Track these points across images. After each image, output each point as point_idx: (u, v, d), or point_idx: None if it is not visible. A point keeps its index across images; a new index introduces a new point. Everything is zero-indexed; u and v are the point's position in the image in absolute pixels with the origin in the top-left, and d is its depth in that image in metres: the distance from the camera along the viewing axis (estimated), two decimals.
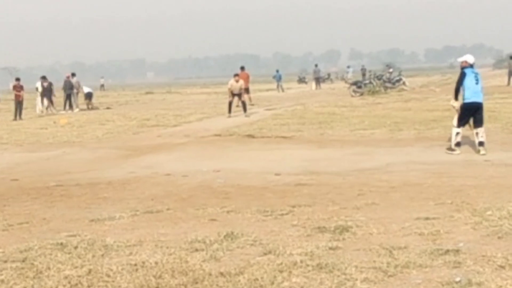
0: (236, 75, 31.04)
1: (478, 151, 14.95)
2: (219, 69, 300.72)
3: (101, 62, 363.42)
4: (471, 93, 15.26)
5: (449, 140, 15.57)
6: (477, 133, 15.22)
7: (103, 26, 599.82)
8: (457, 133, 15.35)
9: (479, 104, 15.34)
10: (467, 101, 15.38)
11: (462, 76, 15.62)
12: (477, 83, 15.34)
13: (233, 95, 30.49)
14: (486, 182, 11.43)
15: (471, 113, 15.43)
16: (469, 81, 15.35)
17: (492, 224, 8.35)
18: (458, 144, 15.28)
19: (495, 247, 7.33)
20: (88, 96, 43.36)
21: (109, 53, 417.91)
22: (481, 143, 15.01)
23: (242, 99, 30.27)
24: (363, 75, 60.75)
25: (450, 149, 15.29)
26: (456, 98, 15.75)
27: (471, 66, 15.79)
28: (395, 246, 7.53)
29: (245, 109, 30.15)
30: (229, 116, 28.82)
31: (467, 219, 8.74)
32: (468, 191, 10.63)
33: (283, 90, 58.74)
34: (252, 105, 35.61)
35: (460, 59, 16.08)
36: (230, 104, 29.77)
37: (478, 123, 15.26)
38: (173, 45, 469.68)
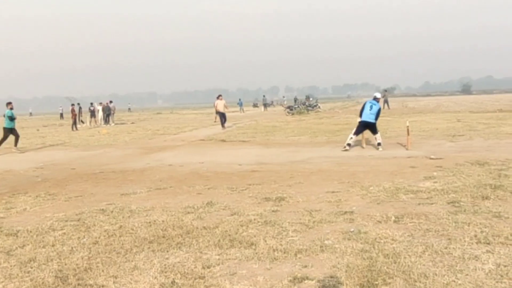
0: (219, 96, 29.85)
1: (377, 148, 15.18)
2: (203, 98, 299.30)
3: (129, 93, 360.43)
4: (365, 115, 15.61)
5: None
6: (375, 138, 15.57)
7: (129, 69, 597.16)
8: (351, 138, 15.51)
9: (369, 122, 15.51)
10: (361, 119, 15.73)
11: (364, 104, 16.07)
12: (370, 109, 15.58)
13: (217, 112, 29.50)
14: (370, 169, 11.52)
15: (363, 128, 15.75)
16: (366, 108, 15.70)
17: (373, 195, 8.44)
18: (349, 145, 15.37)
19: (375, 210, 7.41)
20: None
21: (134, 87, 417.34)
22: (379, 144, 15.29)
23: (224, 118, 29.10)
24: (295, 101, 60.92)
25: (344, 147, 15.36)
26: (360, 116, 15.85)
27: (374, 98, 16.12)
28: (313, 209, 7.58)
29: (223, 125, 28.56)
30: (223, 128, 27.96)
31: (358, 192, 8.82)
32: (358, 175, 10.70)
33: (243, 112, 58.80)
34: (225, 121, 35.53)
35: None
36: (221, 119, 28.99)
37: (373, 132, 15.62)
38: (175, 82, 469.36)
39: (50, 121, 61.12)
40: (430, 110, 42.17)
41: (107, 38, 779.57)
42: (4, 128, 20.09)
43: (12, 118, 20.05)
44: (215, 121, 32.86)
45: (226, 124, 29.07)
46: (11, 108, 20.28)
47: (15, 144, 20.03)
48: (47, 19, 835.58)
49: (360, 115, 15.87)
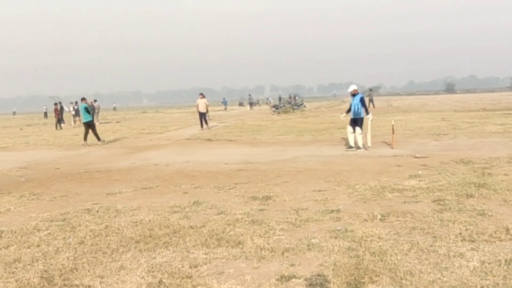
0: (200, 94, 28.88)
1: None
2: (188, 97, 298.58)
3: (113, 92, 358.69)
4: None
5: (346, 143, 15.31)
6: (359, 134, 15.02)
7: (114, 68, 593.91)
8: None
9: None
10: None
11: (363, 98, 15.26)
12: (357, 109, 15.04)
13: (199, 112, 27.74)
14: (356, 167, 11.56)
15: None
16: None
17: (359, 194, 8.47)
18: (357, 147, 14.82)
19: (361, 208, 7.44)
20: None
21: (118, 86, 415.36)
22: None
23: (206, 117, 28.22)
24: (280, 100, 60.94)
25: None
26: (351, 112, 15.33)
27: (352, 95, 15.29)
28: (300, 208, 7.60)
29: (207, 123, 27.63)
30: (201, 129, 26.88)
31: (344, 190, 8.85)
32: (344, 173, 10.73)
33: (227, 111, 58.86)
34: (210, 120, 35.44)
35: (352, 88, 15.48)
36: (200, 120, 27.78)
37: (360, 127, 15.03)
38: (160, 81, 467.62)
39: (33, 120, 60.57)
40: (415, 109, 42.42)
41: (91, 36, 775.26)
42: None
43: None
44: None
45: (209, 124, 28.22)
46: None
47: None
48: (31, 16, 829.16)
49: (347, 111, 15.60)
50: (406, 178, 9.82)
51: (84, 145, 20.71)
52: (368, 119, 15.23)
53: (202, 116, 27.77)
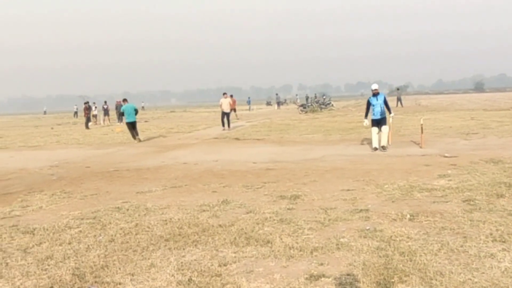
0: (224, 93, 28.20)
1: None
2: (216, 96, 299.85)
3: (141, 92, 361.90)
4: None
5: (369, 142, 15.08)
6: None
7: (143, 67, 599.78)
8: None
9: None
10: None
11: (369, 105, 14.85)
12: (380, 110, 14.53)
13: (223, 112, 27.10)
14: (384, 167, 11.49)
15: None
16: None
17: (388, 193, 8.42)
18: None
19: (390, 207, 7.40)
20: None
21: (147, 85, 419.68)
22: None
23: (230, 117, 27.83)
24: (306, 99, 60.67)
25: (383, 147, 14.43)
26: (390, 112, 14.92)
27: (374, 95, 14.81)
28: (328, 207, 7.59)
29: (229, 124, 26.95)
30: (223, 129, 26.45)
31: (373, 190, 8.80)
32: (372, 173, 10.68)
33: (251, 110, 58.80)
34: (238, 119, 35.53)
35: (375, 87, 14.88)
36: (222, 119, 27.23)
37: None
38: (188, 81, 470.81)
39: (64, 119, 61.44)
40: (444, 108, 41.92)
41: (120, 36, 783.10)
42: None
43: None
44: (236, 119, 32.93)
45: (236, 124, 27.84)
46: None
47: None
48: (60, 16, 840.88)
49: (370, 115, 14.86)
50: (435, 177, 9.73)
51: (137, 141, 21.67)
52: (391, 117, 15.00)
53: (226, 115, 27.26)
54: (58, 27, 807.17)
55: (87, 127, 35.74)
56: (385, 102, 14.72)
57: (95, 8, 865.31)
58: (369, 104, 14.96)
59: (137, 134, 22.33)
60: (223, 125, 27.27)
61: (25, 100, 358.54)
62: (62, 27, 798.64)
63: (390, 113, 14.93)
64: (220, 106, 27.77)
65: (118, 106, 42.90)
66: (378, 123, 14.65)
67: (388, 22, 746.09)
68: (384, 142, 14.53)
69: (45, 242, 6.49)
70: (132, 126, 22.45)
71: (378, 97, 14.71)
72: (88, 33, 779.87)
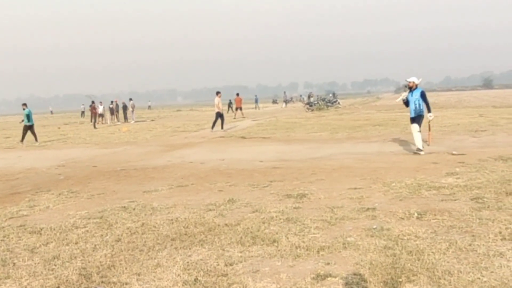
0: (218, 92, 25.68)
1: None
2: (224, 95, 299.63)
3: (149, 91, 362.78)
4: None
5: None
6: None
7: (149, 66, 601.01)
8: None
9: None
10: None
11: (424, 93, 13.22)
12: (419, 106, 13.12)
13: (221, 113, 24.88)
14: (392, 165, 11.44)
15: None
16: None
17: (396, 192, 8.38)
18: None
19: (397, 206, 7.36)
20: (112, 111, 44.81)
21: (153, 85, 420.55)
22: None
23: (237, 115, 26.86)
24: (309, 97, 60.44)
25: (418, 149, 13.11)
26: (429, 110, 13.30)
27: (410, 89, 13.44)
28: (335, 206, 7.55)
29: (222, 125, 25.04)
30: (223, 130, 24.61)
31: (380, 188, 8.77)
32: (380, 171, 10.64)
33: (259, 108, 58.70)
34: (244, 118, 35.51)
35: (411, 80, 13.42)
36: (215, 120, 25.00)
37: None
38: (194, 79, 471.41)
39: (71, 119, 61.74)
40: (452, 105, 41.76)
41: (127, 36, 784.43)
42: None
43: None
44: (234, 118, 32.87)
45: (226, 126, 25.75)
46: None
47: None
48: (68, 17, 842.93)
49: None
50: (443, 175, 9.67)
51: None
52: (430, 117, 13.43)
53: (219, 116, 25.03)
54: (68, 28, 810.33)
55: (95, 126, 35.84)
56: (423, 98, 13.13)
57: (103, 9, 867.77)
58: (407, 99, 13.60)
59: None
60: (212, 127, 25.27)
61: (33, 100, 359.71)
62: (71, 29, 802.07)
63: (428, 111, 13.33)
64: (217, 106, 25.18)
65: (124, 106, 43.23)
66: (414, 121, 13.35)
67: (395, 19, 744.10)
68: (418, 144, 13.16)
69: (52, 242, 6.49)
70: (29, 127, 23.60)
71: (414, 92, 13.28)
72: (96, 34, 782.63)
